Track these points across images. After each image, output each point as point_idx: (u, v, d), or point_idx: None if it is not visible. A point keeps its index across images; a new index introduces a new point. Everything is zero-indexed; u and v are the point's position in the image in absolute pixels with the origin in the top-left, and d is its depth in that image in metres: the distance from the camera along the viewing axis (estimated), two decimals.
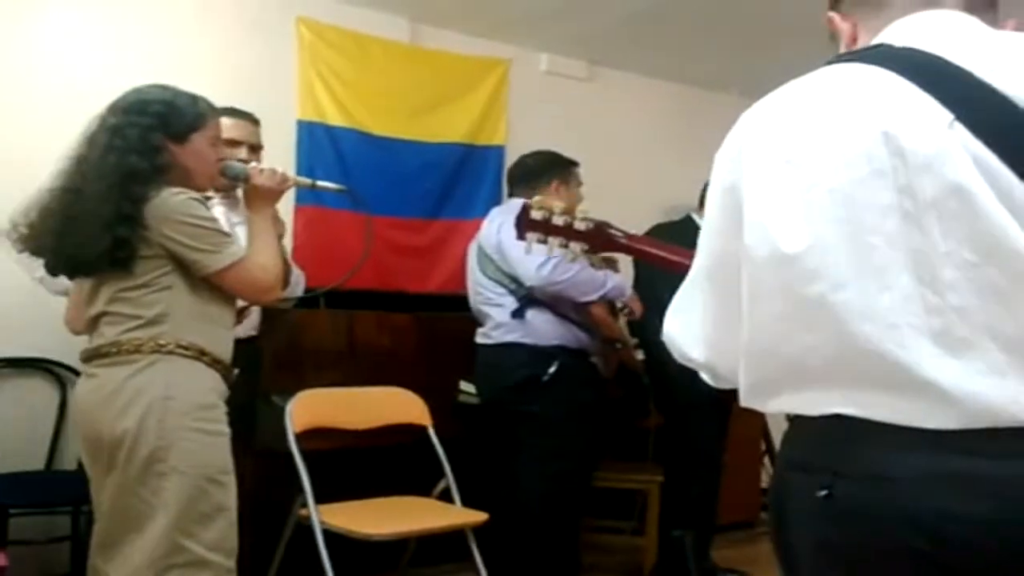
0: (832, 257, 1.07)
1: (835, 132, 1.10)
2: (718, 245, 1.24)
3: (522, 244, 3.24)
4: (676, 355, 1.35)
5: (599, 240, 1.73)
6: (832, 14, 1.33)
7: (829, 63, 1.21)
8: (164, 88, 2.23)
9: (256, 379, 3.13)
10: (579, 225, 1.71)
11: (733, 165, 1.20)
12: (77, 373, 2.89)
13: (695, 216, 3.92)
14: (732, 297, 1.19)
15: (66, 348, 3.11)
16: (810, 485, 1.11)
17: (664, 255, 1.69)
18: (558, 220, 1.70)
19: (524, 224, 1.70)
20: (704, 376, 1.36)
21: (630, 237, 1.73)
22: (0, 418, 3.47)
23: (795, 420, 1.18)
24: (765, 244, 1.12)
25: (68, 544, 3.37)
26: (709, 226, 1.26)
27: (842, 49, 1.30)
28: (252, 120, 3.00)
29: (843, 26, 1.31)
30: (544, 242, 1.71)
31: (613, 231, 1.73)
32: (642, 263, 3.91)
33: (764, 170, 1.15)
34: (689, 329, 1.32)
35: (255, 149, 2.97)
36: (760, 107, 1.24)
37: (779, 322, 1.13)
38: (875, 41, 1.19)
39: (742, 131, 1.23)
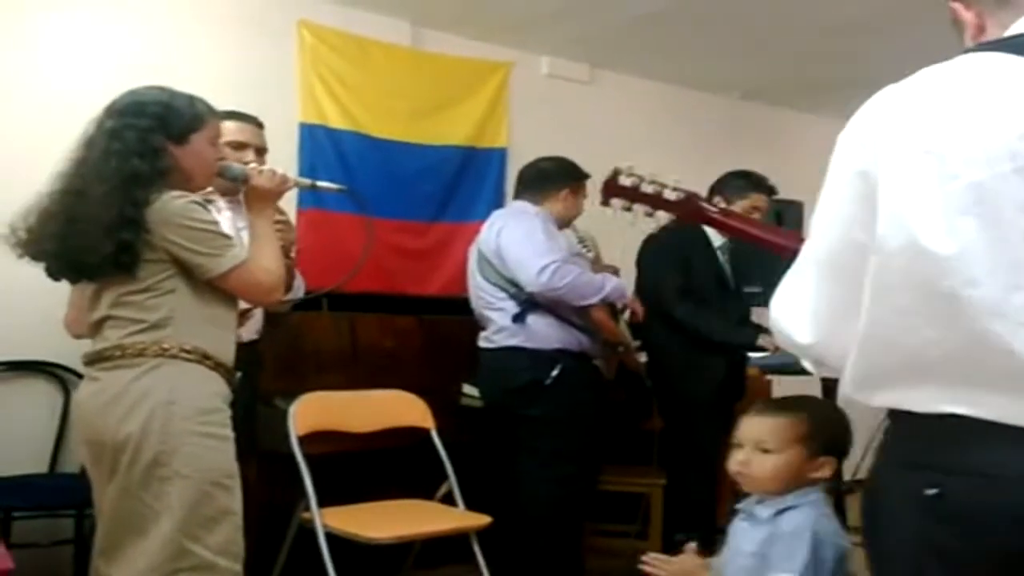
0: (968, 253, 1.05)
1: (977, 125, 1.08)
2: (840, 231, 1.20)
3: (521, 250, 3.30)
4: (780, 339, 1.32)
5: (688, 211, 1.70)
6: (955, 4, 1.30)
7: (968, 51, 1.18)
8: (161, 89, 2.21)
9: (258, 382, 3.13)
10: (669, 194, 1.68)
11: (865, 151, 1.17)
12: (80, 376, 2.89)
13: None
14: (850, 285, 1.16)
15: (69, 351, 3.10)
16: (917, 484, 1.09)
17: (759, 234, 1.64)
18: (647, 188, 1.67)
19: (610, 189, 1.66)
20: (806, 364, 1.34)
21: (724, 212, 1.70)
22: (3, 421, 3.47)
23: (899, 418, 1.16)
24: (900, 235, 1.10)
25: (71, 547, 3.37)
26: (831, 211, 1.23)
27: (967, 40, 1.28)
28: (257, 123, 3.00)
29: (967, 16, 1.28)
30: (628, 209, 1.68)
31: (705, 204, 1.70)
32: (647, 263, 3.93)
33: (902, 159, 1.12)
34: (798, 314, 1.28)
35: (260, 152, 2.95)
36: (895, 92, 1.21)
37: (904, 315, 1.11)
38: (1009, 32, 1.17)
39: (874, 115, 1.20)
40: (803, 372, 3.48)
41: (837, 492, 3.71)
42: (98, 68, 3.59)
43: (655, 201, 1.68)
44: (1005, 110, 1.07)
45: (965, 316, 1.05)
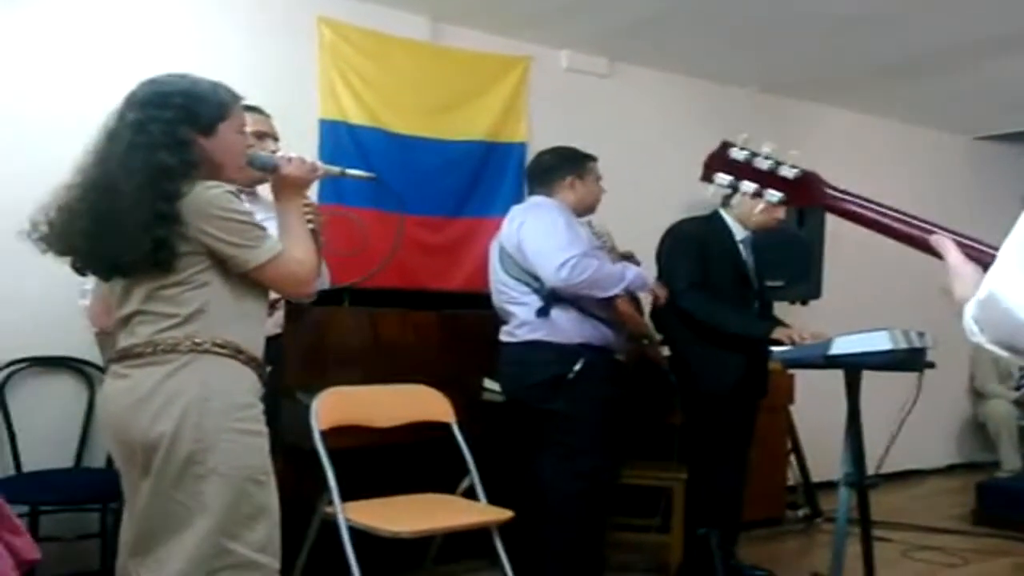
0: None
1: None
2: None
3: (541, 244, 3.29)
4: (999, 312, 1.22)
5: (802, 192, 1.54)
6: None
7: None
8: (182, 77, 2.14)
9: (281, 376, 3.14)
10: (786, 171, 1.53)
11: None
12: (102, 371, 2.91)
13: (722, 212, 3.90)
14: None
15: (93, 347, 3.13)
16: None
17: (891, 224, 1.45)
18: (762, 163, 1.53)
19: (716, 163, 1.54)
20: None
21: (847, 195, 1.51)
22: (29, 417, 3.51)
23: None
24: None
25: (97, 541, 3.41)
26: None
27: None
28: (265, 113, 3.02)
29: None
30: (734, 187, 1.55)
31: (827, 187, 1.53)
32: (666, 255, 3.91)
33: None
34: None
35: (276, 141, 2.98)
36: None
37: None
38: None
39: None
40: (823, 366, 3.51)
41: (860, 486, 3.70)
42: (118, 64, 3.61)
43: (768, 179, 1.53)
44: None
45: None
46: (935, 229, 1.33)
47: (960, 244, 1.39)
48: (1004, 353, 1.23)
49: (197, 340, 2.04)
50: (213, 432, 2.01)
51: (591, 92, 5.02)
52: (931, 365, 3.60)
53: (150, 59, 3.59)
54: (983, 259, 1.31)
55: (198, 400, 2.01)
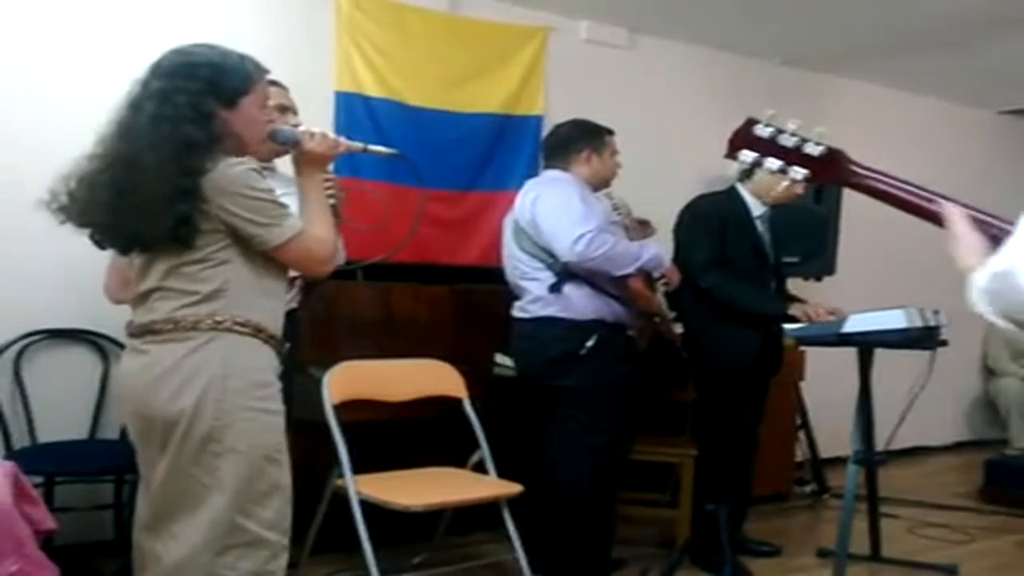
0: None
1: None
2: None
3: (556, 219, 3.27)
4: (1012, 287, 1.22)
5: (827, 170, 1.52)
6: None
7: None
8: (210, 47, 2.10)
9: (294, 351, 3.14)
10: (811, 149, 1.51)
11: None
12: (119, 344, 2.92)
13: (739, 187, 3.87)
14: None
15: (108, 319, 3.15)
16: None
17: (915, 201, 1.43)
18: (787, 140, 1.51)
19: (741, 139, 1.52)
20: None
21: (873, 173, 1.48)
22: (44, 389, 3.53)
23: None
24: None
25: (111, 512, 3.45)
26: None
27: None
28: (284, 86, 3.00)
29: None
30: (759, 164, 1.54)
31: (853, 165, 1.50)
32: (683, 232, 3.89)
33: None
34: None
35: (296, 115, 2.97)
36: None
37: None
38: None
39: None
40: (837, 343, 3.49)
41: (869, 463, 3.70)
42: (132, 35, 3.60)
43: (793, 156, 1.51)
44: None
45: None
46: (1005, 222, 1.33)
47: (976, 219, 1.39)
48: (1008, 326, 1.23)
49: (218, 319, 2.04)
50: (232, 410, 2.02)
51: (610, 64, 4.96)
52: (944, 343, 3.60)
53: (164, 31, 3.58)
54: (1000, 235, 1.30)
55: (219, 378, 2.02)
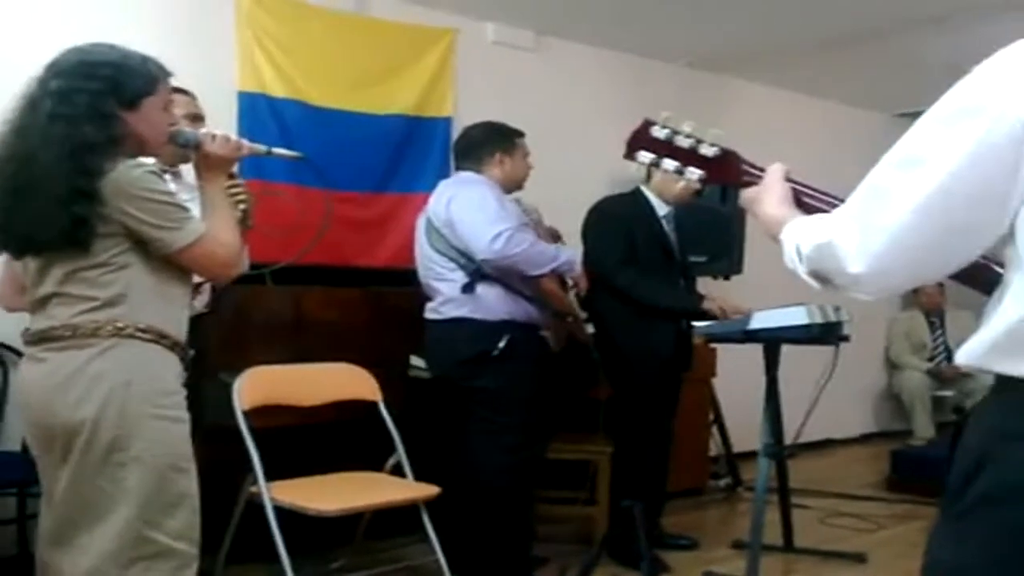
0: None
1: None
2: (960, 218, 1.10)
3: (473, 218, 3.28)
4: (829, 258, 1.22)
5: (721, 171, 1.55)
6: None
7: None
8: (111, 47, 2.07)
9: (203, 356, 3.08)
10: (706, 150, 1.54)
11: (999, 124, 1.05)
12: (18, 354, 2.81)
13: (644, 188, 3.94)
14: (953, 232, 1.10)
15: (4, 327, 3.03)
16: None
17: (808, 201, 1.46)
18: (683, 141, 1.54)
19: (639, 141, 1.54)
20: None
21: (764, 174, 1.52)
22: None
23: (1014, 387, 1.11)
24: None
25: (14, 527, 3.32)
26: (954, 189, 1.09)
27: None
28: (191, 94, 2.94)
29: None
30: (656, 165, 1.56)
31: (746, 165, 1.54)
32: (591, 233, 3.94)
33: None
34: (863, 246, 1.16)
35: (203, 122, 2.91)
36: None
37: None
38: None
39: (1010, 83, 1.07)
40: (743, 340, 3.58)
41: (779, 456, 3.80)
42: (24, 32, 3.46)
43: (689, 157, 1.53)
44: None
45: None
46: (836, 199, 1.35)
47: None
48: (815, 283, 1.28)
49: (120, 325, 2.00)
50: (136, 418, 1.98)
51: (518, 66, 4.99)
52: (846, 338, 3.72)
53: (58, 27, 3.47)
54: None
55: (121, 386, 1.98)
